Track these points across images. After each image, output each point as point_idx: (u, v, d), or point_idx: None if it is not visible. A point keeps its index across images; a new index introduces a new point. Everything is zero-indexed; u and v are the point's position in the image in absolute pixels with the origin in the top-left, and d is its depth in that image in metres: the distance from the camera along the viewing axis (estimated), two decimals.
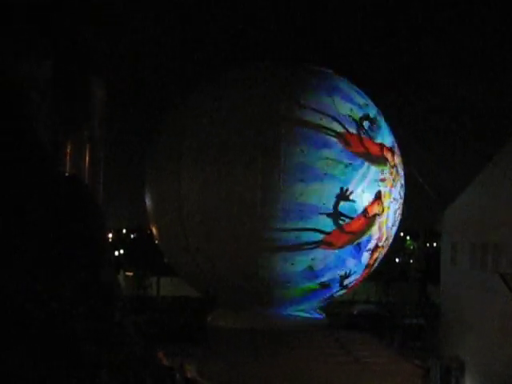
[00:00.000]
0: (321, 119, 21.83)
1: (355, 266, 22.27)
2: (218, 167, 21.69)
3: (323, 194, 21.27)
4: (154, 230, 25.82)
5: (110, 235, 58.76)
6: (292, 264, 21.57)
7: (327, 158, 21.39)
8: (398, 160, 23.77)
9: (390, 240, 24.27)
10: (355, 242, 21.80)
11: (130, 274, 44.29)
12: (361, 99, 23.50)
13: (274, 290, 22.12)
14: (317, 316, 24.16)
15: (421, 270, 48.03)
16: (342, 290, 22.64)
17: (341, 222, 21.24)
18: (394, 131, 24.38)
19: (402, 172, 23.97)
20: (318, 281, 21.94)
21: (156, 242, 27.41)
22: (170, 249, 24.98)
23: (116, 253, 52.31)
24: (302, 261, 21.44)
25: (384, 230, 22.86)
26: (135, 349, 1.50)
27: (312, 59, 27.58)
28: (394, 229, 24.32)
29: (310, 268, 21.52)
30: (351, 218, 21.48)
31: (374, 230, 22.25)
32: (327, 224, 21.20)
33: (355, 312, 36.44)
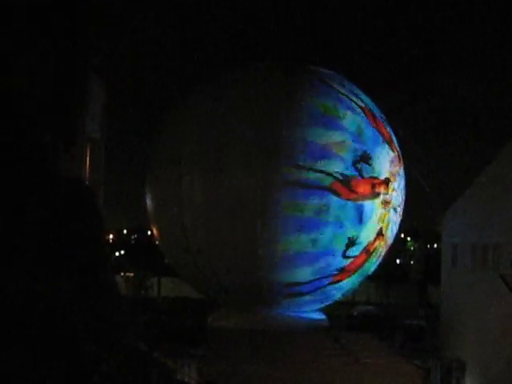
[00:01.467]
0: (324, 112, 21.96)
1: (356, 232, 22.14)
2: (217, 167, 21.69)
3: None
4: (155, 231, 25.83)
5: (111, 236, 58.86)
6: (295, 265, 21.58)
7: (336, 140, 21.68)
8: (401, 164, 23.94)
9: (390, 241, 24.22)
10: (358, 202, 21.82)
11: (131, 274, 44.34)
12: (367, 98, 23.69)
13: (275, 288, 22.12)
14: (317, 317, 24.14)
15: (421, 271, 48.11)
16: (344, 260, 22.22)
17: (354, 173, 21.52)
18: (394, 131, 24.40)
19: (403, 172, 24.02)
20: (320, 259, 21.78)
21: (156, 242, 27.42)
22: (170, 249, 24.98)
23: (117, 253, 52.41)
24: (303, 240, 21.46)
25: (385, 223, 22.85)
26: (135, 349, 1.50)
27: (312, 59, 27.61)
28: (395, 230, 24.31)
29: (313, 242, 21.48)
30: (362, 177, 21.70)
31: (377, 206, 22.30)
32: (340, 172, 21.44)
33: (356, 313, 36.49)
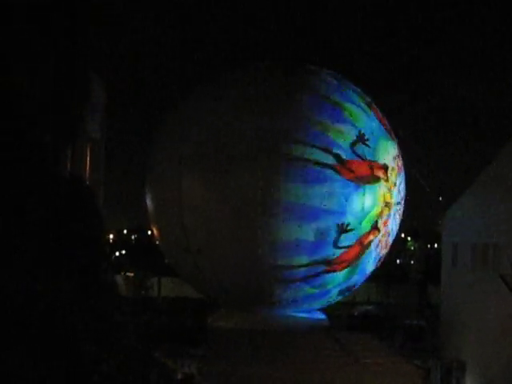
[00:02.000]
0: (324, 110, 22.03)
1: (353, 215, 22.13)
2: (217, 167, 21.68)
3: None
4: (155, 231, 25.81)
5: (111, 236, 58.85)
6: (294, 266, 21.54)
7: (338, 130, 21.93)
8: (402, 164, 23.95)
9: (390, 241, 24.19)
10: (358, 183, 21.93)
11: (131, 274, 44.36)
12: (367, 98, 23.73)
13: (276, 288, 22.10)
14: (318, 317, 24.12)
15: (421, 271, 48.13)
16: (337, 248, 22.11)
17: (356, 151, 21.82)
18: (394, 131, 24.41)
19: (403, 172, 24.00)
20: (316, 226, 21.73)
21: (156, 242, 27.41)
22: (170, 249, 24.96)
23: (117, 253, 52.41)
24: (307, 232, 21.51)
25: (383, 217, 22.80)
26: (135, 349, 1.50)
27: (312, 59, 27.62)
28: (395, 230, 24.27)
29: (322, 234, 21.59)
30: (363, 159, 21.86)
31: (375, 196, 22.36)
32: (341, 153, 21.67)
33: (356, 313, 36.53)
